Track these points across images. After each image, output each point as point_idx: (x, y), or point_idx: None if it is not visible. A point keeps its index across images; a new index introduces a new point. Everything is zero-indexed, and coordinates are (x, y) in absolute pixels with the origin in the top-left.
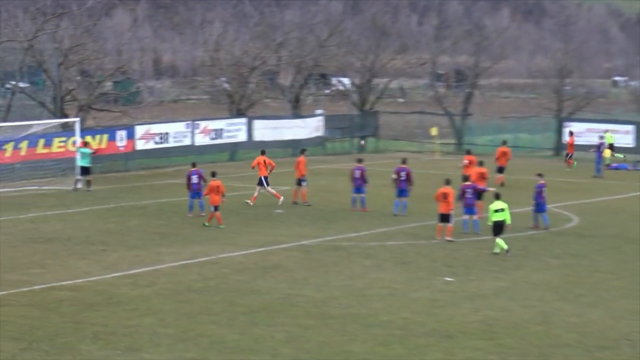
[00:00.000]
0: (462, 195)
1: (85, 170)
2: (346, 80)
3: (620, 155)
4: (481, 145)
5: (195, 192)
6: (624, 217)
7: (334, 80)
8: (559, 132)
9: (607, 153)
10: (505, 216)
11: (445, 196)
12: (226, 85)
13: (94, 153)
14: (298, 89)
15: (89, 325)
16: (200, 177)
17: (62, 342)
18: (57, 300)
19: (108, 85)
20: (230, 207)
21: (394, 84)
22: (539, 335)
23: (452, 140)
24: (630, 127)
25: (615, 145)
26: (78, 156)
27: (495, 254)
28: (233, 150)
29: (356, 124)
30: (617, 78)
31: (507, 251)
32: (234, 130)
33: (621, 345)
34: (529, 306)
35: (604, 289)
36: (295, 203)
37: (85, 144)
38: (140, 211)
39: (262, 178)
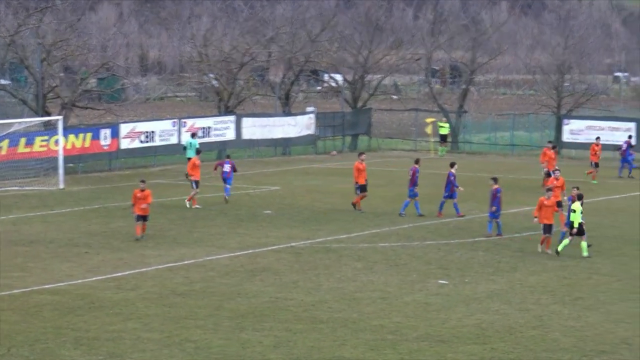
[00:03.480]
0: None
1: None
2: (338, 77)
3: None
4: (476, 144)
5: (224, 179)
6: (624, 217)
7: (325, 77)
8: (558, 130)
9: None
10: (576, 218)
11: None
12: (214, 82)
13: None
14: (288, 86)
15: (71, 330)
16: (233, 167)
17: (42, 348)
18: (37, 304)
19: (92, 82)
20: (219, 209)
21: (387, 81)
22: (534, 340)
23: (448, 138)
24: (631, 125)
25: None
26: (187, 147)
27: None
28: (221, 149)
29: (348, 122)
30: (618, 74)
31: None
32: (222, 128)
33: (620, 350)
34: (524, 310)
35: (603, 292)
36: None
37: (193, 135)
38: (124, 212)
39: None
